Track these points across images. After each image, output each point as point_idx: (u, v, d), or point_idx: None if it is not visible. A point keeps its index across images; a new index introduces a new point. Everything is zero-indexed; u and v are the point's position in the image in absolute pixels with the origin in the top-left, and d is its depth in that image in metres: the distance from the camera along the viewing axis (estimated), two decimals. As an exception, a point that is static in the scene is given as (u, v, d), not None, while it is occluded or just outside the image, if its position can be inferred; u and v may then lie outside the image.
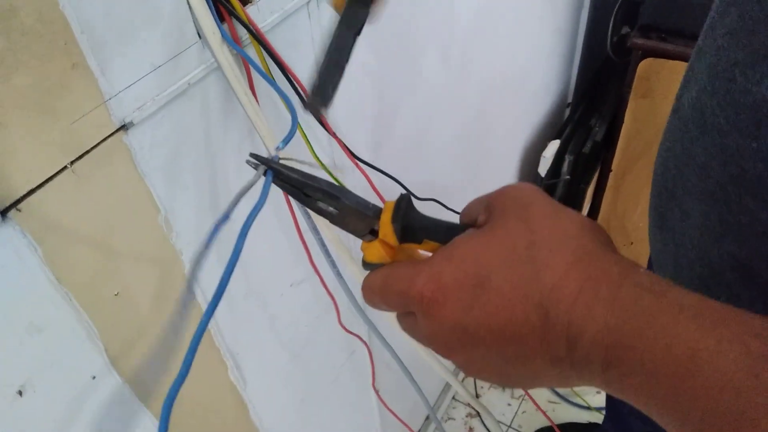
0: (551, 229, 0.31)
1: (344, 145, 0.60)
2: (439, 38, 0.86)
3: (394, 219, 0.34)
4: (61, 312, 0.43)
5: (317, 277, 0.67)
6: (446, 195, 0.87)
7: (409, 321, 0.35)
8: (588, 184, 1.47)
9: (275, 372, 0.74)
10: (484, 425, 1.49)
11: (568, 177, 1.41)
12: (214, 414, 0.65)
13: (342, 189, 0.35)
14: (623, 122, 1.38)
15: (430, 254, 0.35)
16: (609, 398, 0.99)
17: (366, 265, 0.36)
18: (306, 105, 0.36)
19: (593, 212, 1.60)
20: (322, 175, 0.62)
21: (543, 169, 1.42)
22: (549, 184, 1.44)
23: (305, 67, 0.58)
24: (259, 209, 0.32)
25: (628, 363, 0.26)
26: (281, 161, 0.35)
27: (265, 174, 0.34)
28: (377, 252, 0.35)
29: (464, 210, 0.37)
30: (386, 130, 0.80)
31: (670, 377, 0.25)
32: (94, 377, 0.47)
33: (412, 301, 0.32)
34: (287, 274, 0.70)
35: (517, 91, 1.32)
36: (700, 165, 0.42)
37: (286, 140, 0.38)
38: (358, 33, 0.38)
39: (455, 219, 0.38)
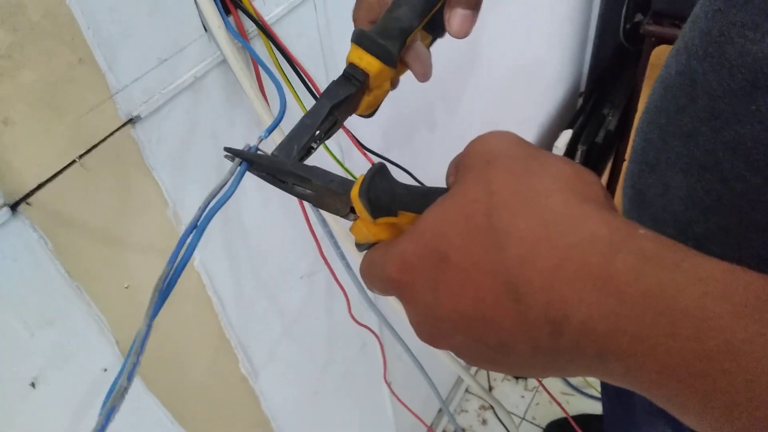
0: (515, 188, 0.25)
1: (351, 134, 0.60)
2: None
3: (360, 193, 0.31)
4: (72, 305, 0.43)
5: (327, 269, 0.67)
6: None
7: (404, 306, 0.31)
8: (601, 174, 1.46)
9: (286, 364, 0.75)
10: (498, 417, 1.49)
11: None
12: (226, 406, 0.66)
13: (311, 169, 0.33)
14: (637, 111, 1.37)
15: None
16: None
17: (358, 246, 0.34)
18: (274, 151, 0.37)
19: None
20: (328, 163, 0.62)
21: (555, 159, 1.41)
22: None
23: (312, 58, 0.58)
24: (227, 199, 0.32)
25: (634, 356, 0.21)
26: (258, 151, 0.35)
27: (240, 165, 0.34)
28: (360, 231, 0.32)
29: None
30: (396, 121, 0.80)
31: (698, 377, 0.20)
32: (105, 370, 0.47)
33: (389, 286, 0.29)
34: (297, 266, 0.70)
35: (529, 81, 1.31)
36: (687, 133, 0.40)
37: (270, 129, 0.38)
38: (336, 106, 0.38)
39: None
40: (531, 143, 0.28)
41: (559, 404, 0.91)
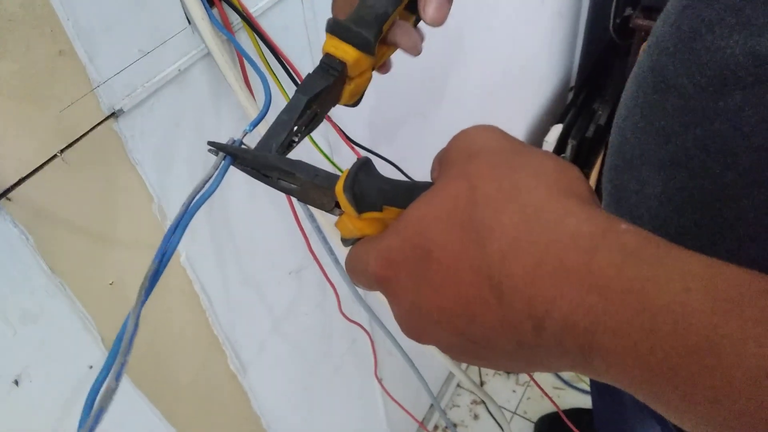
0: (497, 183, 0.25)
1: (339, 128, 0.59)
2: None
3: (345, 188, 0.30)
4: (56, 301, 0.42)
5: (316, 264, 0.67)
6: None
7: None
8: (591, 168, 1.46)
9: (276, 361, 0.74)
10: (489, 412, 1.49)
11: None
12: (216, 403, 0.65)
13: (295, 163, 0.33)
14: (626, 106, 1.37)
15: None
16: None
17: (343, 241, 0.33)
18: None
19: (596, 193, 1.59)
20: (314, 161, 0.62)
21: (546, 154, 1.41)
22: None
23: (298, 51, 0.57)
24: (210, 194, 0.31)
25: (615, 352, 0.21)
26: (242, 145, 0.35)
27: (224, 159, 0.34)
28: (345, 226, 0.32)
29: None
30: (384, 115, 0.80)
31: (680, 374, 0.20)
32: (91, 367, 0.47)
33: (373, 282, 0.29)
34: (285, 261, 0.69)
35: (519, 75, 1.30)
36: (660, 130, 0.40)
37: (254, 123, 0.38)
38: (313, 99, 0.38)
39: None
40: (514, 137, 0.28)
41: (550, 398, 0.91)
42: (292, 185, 0.33)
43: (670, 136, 0.40)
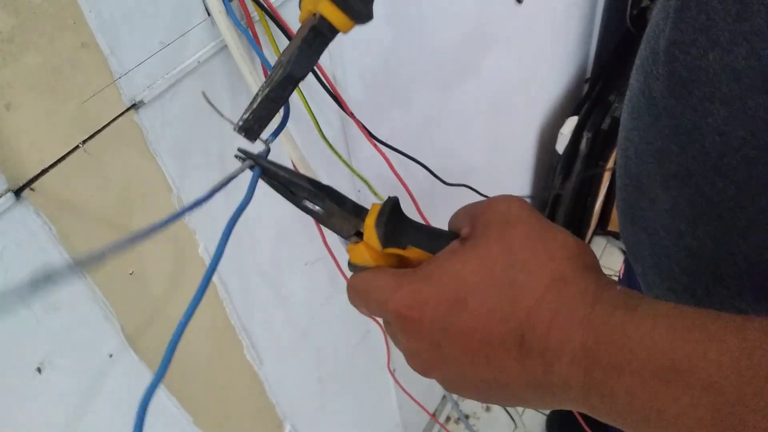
0: (532, 251, 0.30)
1: (362, 125, 0.59)
2: (454, 13, 0.85)
3: (378, 224, 0.33)
4: (77, 291, 0.43)
5: (330, 256, 0.67)
6: (474, 177, 0.86)
7: (390, 330, 0.34)
8: (606, 161, 1.45)
9: (290, 351, 0.75)
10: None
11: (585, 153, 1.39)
12: (232, 392, 0.66)
13: (328, 188, 0.35)
14: (643, 98, 1.36)
15: (415, 260, 0.34)
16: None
17: (351, 266, 0.35)
18: (235, 127, 0.36)
19: (611, 191, 1.58)
20: (329, 164, 0.62)
21: (561, 146, 1.40)
22: (564, 166, 1.42)
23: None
24: (245, 207, 0.32)
25: (607, 384, 0.26)
26: (269, 158, 0.35)
27: (252, 169, 0.34)
28: (361, 255, 0.34)
29: (452, 217, 0.36)
30: (403, 110, 0.80)
31: (653, 392, 0.24)
32: (111, 355, 0.48)
33: (390, 315, 0.32)
34: (301, 253, 0.70)
35: (534, 67, 1.30)
36: (658, 150, 0.41)
37: (276, 133, 0.38)
38: (302, 78, 0.37)
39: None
40: (541, 214, 0.33)
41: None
42: (316, 207, 0.34)
43: (668, 155, 0.41)
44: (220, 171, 0.52)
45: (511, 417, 1.47)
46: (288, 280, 0.69)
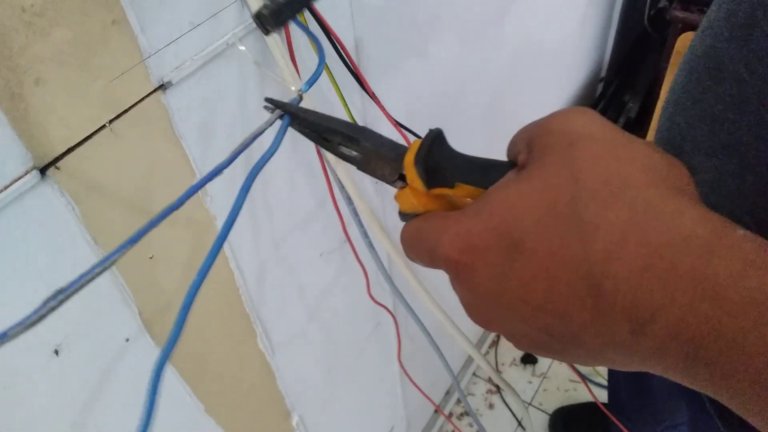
0: (604, 176, 0.23)
1: (383, 106, 0.58)
2: (472, 7, 0.84)
3: (417, 160, 0.28)
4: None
5: (348, 247, 0.67)
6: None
7: (451, 281, 0.30)
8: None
9: (303, 341, 0.74)
10: (505, 402, 1.49)
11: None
12: (243, 381, 0.65)
13: (362, 129, 0.31)
14: (659, 98, 1.35)
15: (469, 201, 0.29)
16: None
17: (402, 215, 0.31)
18: (254, 15, 0.32)
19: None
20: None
21: (573, 145, 1.39)
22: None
23: (343, 25, 0.57)
24: (272, 154, 0.29)
25: (728, 363, 0.20)
26: (301, 105, 0.32)
27: (281, 118, 0.31)
28: (408, 200, 0.30)
29: (510, 143, 0.30)
30: (419, 96, 0.79)
31: None
32: (127, 339, 0.47)
33: (440, 263, 0.28)
34: (319, 242, 0.69)
35: (549, 65, 1.28)
36: (712, 116, 0.39)
37: (310, 82, 0.35)
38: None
39: None
40: (615, 125, 0.26)
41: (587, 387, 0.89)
42: (354, 152, 0.31)
43: (722, 122, 0.38)
44: (245, 156, 0.51)
45: (515, 416, 1.46)
46: (303, 270, 0.68)
